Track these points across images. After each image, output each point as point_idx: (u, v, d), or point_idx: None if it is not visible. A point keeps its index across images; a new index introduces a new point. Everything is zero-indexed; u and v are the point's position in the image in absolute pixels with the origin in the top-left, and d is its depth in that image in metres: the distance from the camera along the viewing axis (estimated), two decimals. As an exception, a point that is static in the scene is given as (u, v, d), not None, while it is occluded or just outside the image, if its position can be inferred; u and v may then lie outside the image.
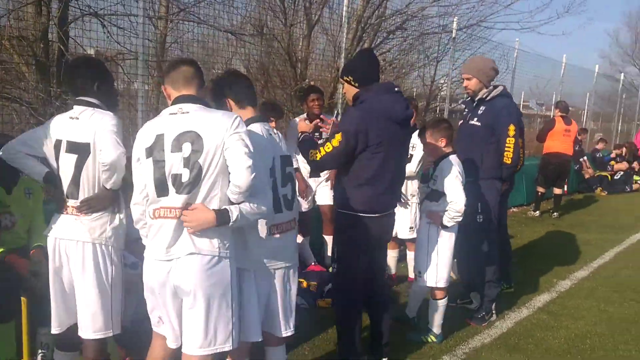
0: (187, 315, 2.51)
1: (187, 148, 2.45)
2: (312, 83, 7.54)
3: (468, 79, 4.59)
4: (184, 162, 2.45)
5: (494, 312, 4.66)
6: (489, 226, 4.53)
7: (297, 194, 3.31)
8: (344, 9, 7.05)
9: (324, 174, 5.83)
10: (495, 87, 4.59)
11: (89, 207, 2.79)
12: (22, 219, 3.48)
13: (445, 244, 4.02)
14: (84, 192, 2.80)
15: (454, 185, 3.82)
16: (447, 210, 3.86)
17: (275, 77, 8.78)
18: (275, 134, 2.92)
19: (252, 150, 2.45)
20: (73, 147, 2.76)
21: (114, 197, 2.86)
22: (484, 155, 4.48)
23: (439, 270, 4.03)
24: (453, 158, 3.97)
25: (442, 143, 3.99)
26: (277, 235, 2.88)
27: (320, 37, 8.95)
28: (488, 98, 4.52)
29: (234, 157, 2.42)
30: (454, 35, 8.99)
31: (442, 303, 4.09)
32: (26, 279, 3.22)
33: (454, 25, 8.96)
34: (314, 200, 5.95)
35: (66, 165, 2.79)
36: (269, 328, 2.93)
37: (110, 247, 2.85)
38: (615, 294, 5.47)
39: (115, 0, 5.56)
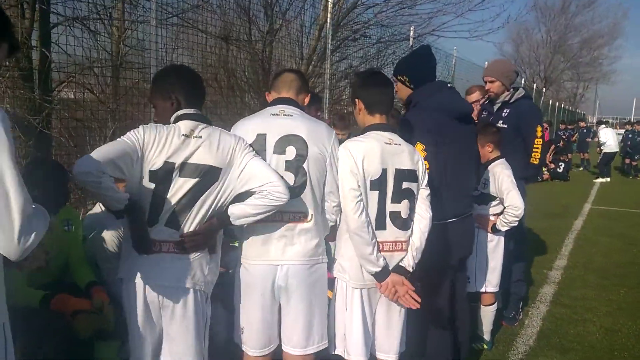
0: (290, 316, 2.33)
1: (291, 151, 2.24)
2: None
3: (491, 81, 4.19)
4: (287, 165, 2.23)
5: (520, 310, 4.31)
6: (517, 225, 4.17)
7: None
8: (328, 15, 6.44)
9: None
10: (516, 89, 4.24)
11: (194, 243, 2.06)
12: (57, 255, 2.64)
13: (496, 248, 3.60)
14: (189, 225, 2.06)
15: (512, 190, 3.40)
16: (503, 214, 3.44)
17: (243, 81, 8.06)
18: (396, 144, 2.36)
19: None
20: (194, 170, 2.04)
21: (219, 234, 2.19)
22: (512, 157, 4.09)
23: (488, 275, 3.60)
24: (503, 162, 3.56)
25: (489, 148, 3.56)
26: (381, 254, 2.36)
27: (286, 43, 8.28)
28: (512, 100, 4.16)
29: (329, 182, 2.32)
30: (411, 43, 8.66)
31: (492, 309, 3.66)
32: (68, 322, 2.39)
33: (411, 33, 8.63)
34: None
35: (176, 192, 2.03)
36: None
37: (206, 292, 2.17)
38: (605, 281, 5.34)
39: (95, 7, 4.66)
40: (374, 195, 2.31)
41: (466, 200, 3.00)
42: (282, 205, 2.09)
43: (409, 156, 2.40)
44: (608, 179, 14.52)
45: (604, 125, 16.37)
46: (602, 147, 15.03)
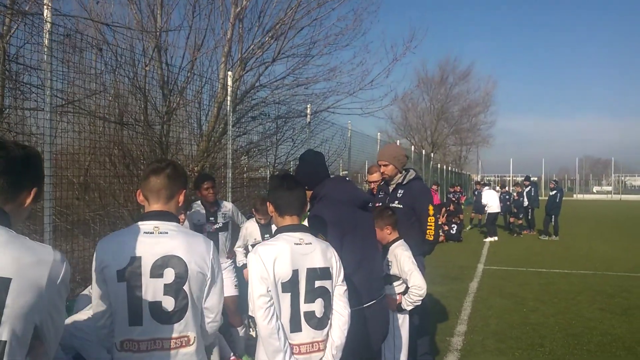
0: None
1: (169, 274, 2.16)
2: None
3: (385, 165, 4.60)
4: (166, 289, 2.16)
5: (428, 383, 4.52)
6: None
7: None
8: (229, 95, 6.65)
9: (227, 263, 5.30)
10: (407, 170, 4.66)
11: None
12: None
13: (401, 326, 3.81)
14: None
15: (414, 271, 3.67)
16: (407, 294, 3.69)
17: (140, 160, 7.93)
18: (307, 244, 2.49)
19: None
20: None
21: None
22: (408, 235, 4.43)
23: (396, 354, 3.79)
24: (402, 243, 3.85)
25: (387, 230, 3.85)
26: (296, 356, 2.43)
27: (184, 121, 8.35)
28: (405, 182, 4.56)
29: (210, 298, 2.26)
30: (308, 120, 9.14)
31: (402, 388, 3.82)
32: None
33: (308, 110, 9.12)
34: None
35: None
36: None
37: None
38: (502, 345, 5.77)
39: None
40: (285, 298, 2.40)
41: (378, 284, 3.21)
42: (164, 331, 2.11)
43: (322, 254, 2.52)
44: (496, 238, 15.83)
45: (487, 187, 18.02)
46: (486, 208, 16.49)
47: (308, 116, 9.09)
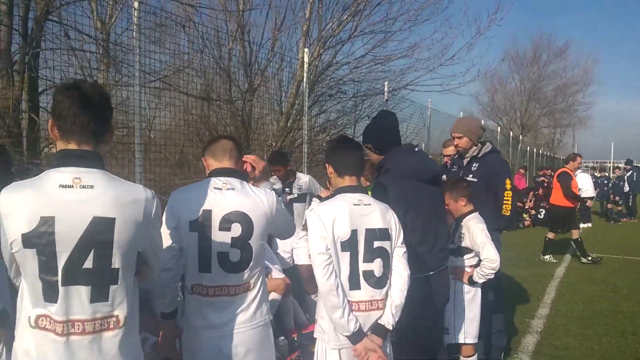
0: None
1: (236, 228, 2.36)
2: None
3: (459, 137, 4.51)
4: (233, 242, 2.36)
5: (503, 361, 4.46)
6: (495, 275, 4.37)
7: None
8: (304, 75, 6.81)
9: (302, 233, 5.47)
10: (483, 143, 4.55)
11: None
12: None
13: (472, 299, 3.79)
14: None
15: (487, 244, 3.63)
16: (480, 267, 3.65)
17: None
18: (366, 205, 2.55)
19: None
20: None
21: None
22: (483, 209, 4.35)
23: (466, 326, 3.77)
24: (477, 215, 3.80)
25: (462, 202, 3.81)
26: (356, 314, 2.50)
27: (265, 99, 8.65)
28: (480, 155, 4.46)
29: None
30: (385, 97, 9.11)
31: (472, 360, 3.80)
32: None
33: (385, 88, 9.08)
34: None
35: None
36: None
37: None
38: (588, 331, 5.51)
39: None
40: (345, 256, 2.47)
41: (441, 254, 3.22)
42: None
43: (381, 215, 2.55)
44: (589, 224, 14.94)
45: (580, 170, 16.98)
46: (580, 193, 15.54)
47: (385, 94, 9.05)
